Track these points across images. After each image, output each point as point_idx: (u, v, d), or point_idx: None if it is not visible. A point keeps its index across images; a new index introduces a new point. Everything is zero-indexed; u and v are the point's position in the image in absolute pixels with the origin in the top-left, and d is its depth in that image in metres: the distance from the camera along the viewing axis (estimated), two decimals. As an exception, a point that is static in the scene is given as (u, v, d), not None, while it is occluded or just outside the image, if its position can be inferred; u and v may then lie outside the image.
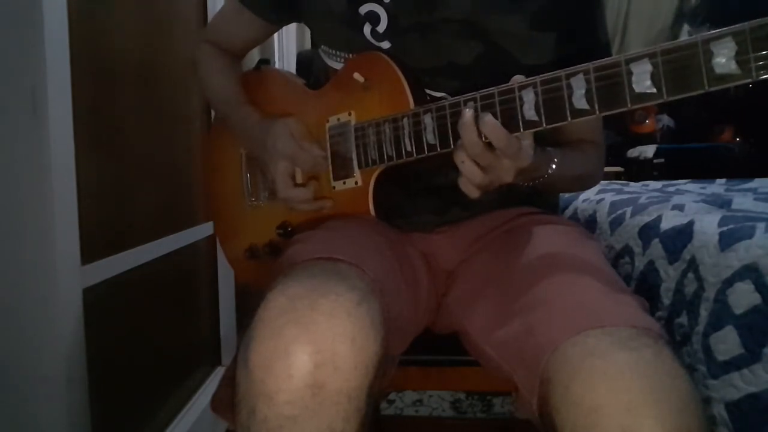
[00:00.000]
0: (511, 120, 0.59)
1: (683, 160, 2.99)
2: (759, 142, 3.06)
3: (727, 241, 0.77)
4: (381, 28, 0.77)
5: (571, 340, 0.54)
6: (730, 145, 3.20)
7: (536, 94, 0.57)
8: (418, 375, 0.85)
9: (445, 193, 0.78)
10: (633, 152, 3.26)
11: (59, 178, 0.75)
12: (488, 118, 0.58)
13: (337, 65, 0.83)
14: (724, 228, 0.80)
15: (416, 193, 0.83)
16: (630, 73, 0.52)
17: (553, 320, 0.58)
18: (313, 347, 0.50)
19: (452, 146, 0.64)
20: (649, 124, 3.40)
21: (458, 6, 0.73)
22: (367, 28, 0.77)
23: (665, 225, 0.95)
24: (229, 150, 0.98)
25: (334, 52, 0.83)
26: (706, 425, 0.49)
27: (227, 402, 0.56)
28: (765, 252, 0.70)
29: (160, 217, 1.12)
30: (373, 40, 0.78)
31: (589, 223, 1.27)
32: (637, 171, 3.07)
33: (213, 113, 1.18)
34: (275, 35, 2.03)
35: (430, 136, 0.67)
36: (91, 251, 0.84)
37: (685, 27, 3.52)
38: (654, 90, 0.51)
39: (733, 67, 0.46)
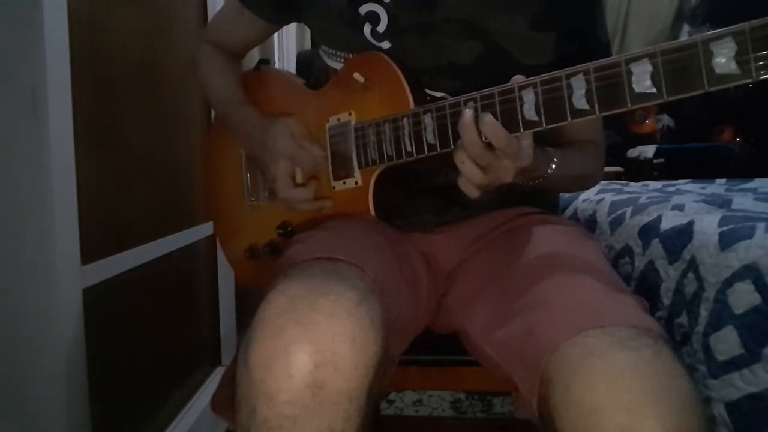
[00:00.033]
0: (511, 120, 0.59)
1: (683, 160, 2.99)
2: (759, 142, 3.06)
3: (727, 241, 0.77)
4: (381, 28, 0.77)
5: (571, 340, 0.54)
6: (730, 145, 3.20)
7: (536, 94, 0.57)
8: (418, 375, 0.85)
9: (445, 193, 0.78)
10: (633, 152, 3.25)
11: (59, 178, 0.75)
12: (488, 118, 0.58)
13: (337, 65, 0.83)
14: (724, 228, 0.80)
15: (416, 193, 0.83)
16: (630, 73, 0.52)
17: (553, 320, 0.58)
18: (313, 347, 0.50)
19: (452, 146, 0.64)
20: (649, 124, 3.40)
21: (458, 6, 0.74)
22: (367, 28, 0.77)
23: (665, 225, 0.95)
24: (229, 150, 0.98)
25: (334, 52, 0.83)
26: (706, 425, 0.49)
27: (227, 402, 0.56)
28: (765, 252, 0.70)
29: (160, 217, 1.12)
30: (373, 40, 0.78)
31: (589, 223, 1.27)
32: (637, 171, 3.07)
33: (213, 113, 1.18)
34: (275, 35, 2.03)
35: (430, 136, 0.67)
36: (91, 251, 0.84)
37: (685, 27, 3.52)
38: (654, 90, 0.51)
39: (733, 67, 0.46)
